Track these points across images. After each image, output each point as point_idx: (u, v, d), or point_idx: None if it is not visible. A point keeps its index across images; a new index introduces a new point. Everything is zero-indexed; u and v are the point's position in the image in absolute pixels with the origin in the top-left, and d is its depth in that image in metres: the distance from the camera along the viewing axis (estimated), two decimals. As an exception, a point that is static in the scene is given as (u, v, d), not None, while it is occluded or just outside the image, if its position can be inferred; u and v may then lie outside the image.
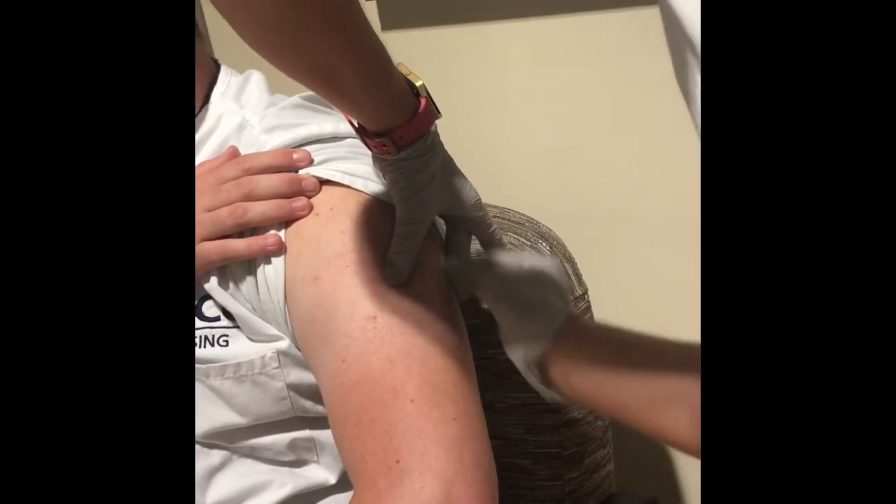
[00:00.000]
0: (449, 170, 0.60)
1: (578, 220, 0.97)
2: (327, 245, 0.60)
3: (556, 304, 0.59)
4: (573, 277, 0.81)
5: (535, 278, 0.61)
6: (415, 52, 1.08)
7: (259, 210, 0.61)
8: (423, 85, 0.56)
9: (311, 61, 0.49)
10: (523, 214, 0.85)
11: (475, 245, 0.67)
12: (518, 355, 0.59)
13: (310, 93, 0.74)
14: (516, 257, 0.64)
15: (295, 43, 0.47)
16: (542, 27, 1.00)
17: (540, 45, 1.01)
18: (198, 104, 0.72)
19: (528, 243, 0.81)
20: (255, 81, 0.75)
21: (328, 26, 0.47)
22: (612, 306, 0.91)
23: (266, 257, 0.61)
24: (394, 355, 0.56)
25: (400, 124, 0.54)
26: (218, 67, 0.76)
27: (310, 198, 0.62)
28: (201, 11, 1.01)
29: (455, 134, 0.59)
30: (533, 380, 0.60)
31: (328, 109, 0.74)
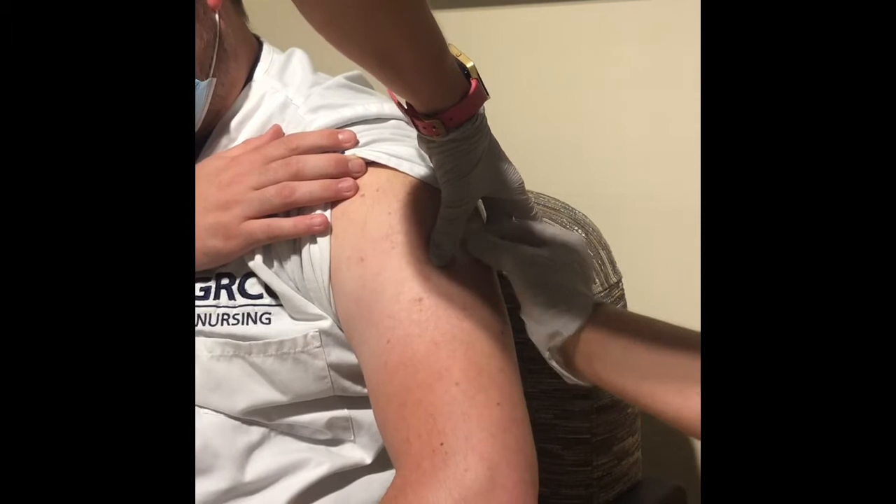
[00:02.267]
0: (494, 152, 0.60)
1: (613, 206, 0.97)
2: (373, 226, 0.60)
3: (583, 294, 0.59)
4: (608, 265, 0.81)
5: (563, 264, 0.60)
6: (448, 34, 1.07)
7: (306, 190, 0.61)
8: (474, 66, 0.56)
9: (376, 44, 0.49)
10: (559, 200, 0.85)
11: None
12: (541, 340, 0.59)
13: (353, 73, 0.74)
14: (543, 234, 0.62)
15: (363, 26, 0.47)
16: (579, 11, 1.00)
17: (577, 29, 1.00)
18: (241, 82, 0.72)
19: (552, 223, 0.81)
20: (298, 60, 0.75)
21: (397, 10, 0.47)
22: (646, 294, 0.91)
23: (312, 237, 0.62)
24: (438, 338, 0.57)
25: (450, 105, 0.54)
26: (260, 45, 0.76)
27: (356, 179, 0.62)
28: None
29: (490, 118, 0.58)
30: (555, 365, 0.60)
31: (371, 90, 0.74)
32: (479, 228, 0.62)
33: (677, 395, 0.52)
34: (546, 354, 0.60)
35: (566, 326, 0.58)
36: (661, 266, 0.97)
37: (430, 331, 0.57)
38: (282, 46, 0.78)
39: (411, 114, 0.56)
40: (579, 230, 0.81)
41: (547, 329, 0.58)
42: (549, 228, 0.63)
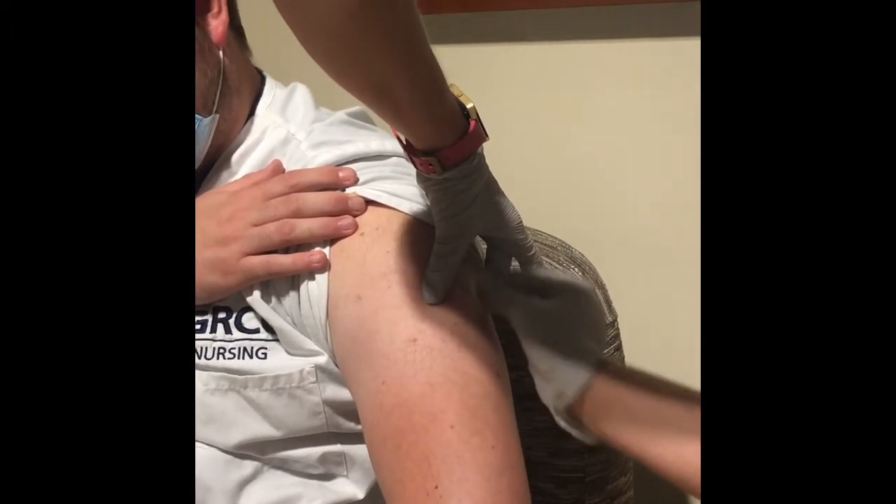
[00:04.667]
0: (492, 191, 0.61)
1: (610, 245, 0.97)
2: (371, 265, 0.61)
3: (588, 351, 0.58)
4: (604, 304, 0.82)
5: (571, 318, 0.59)
6: (448, 68, 1.08)
7: (306, 227, 0.62)
8: (474, 107, 0.56)
9: (368, 75, 0.49)
10: (556, 238, 0.85)
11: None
12: (548, 398, 0.59)
13: (355, 109, 0.75)
14: (551, 281, 0.62)
15: (353, 56, 0.48)
16: (577, 50, 1.01)
17: (574, 67, 1.01)
18: (244, 117, 0.72)
19: (560, 268, 0.81)
20: (301, 95, 0.75)
21: (387, 42, 0.47)
22: (641, 334, 0.91)
23: (310, 273, 0.62)
24: (434, 380, 0.57)
25: (447, 144, 0.55)
26: (263, 80, 0.76)
27: (355, 217, 0.63)
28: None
29: (488, 154, 0.59)
30: (561, 422, 0.59)
31: (373, 126, 0.75)
32: (489, 278, 0.62)
33: (679, 457, 0.52)
34: (554, 413, 0.59)
35: (570, 386, 0.57)
36: (657, 305, 0.98)
37: (425, 372, 0.57)
38: (284, 78, 0.78)
39: (409, 150, 0.56)
40: (576, 269, 0.82)
41: (552, 387, 0.58)
42: (558, 275, 0.63)
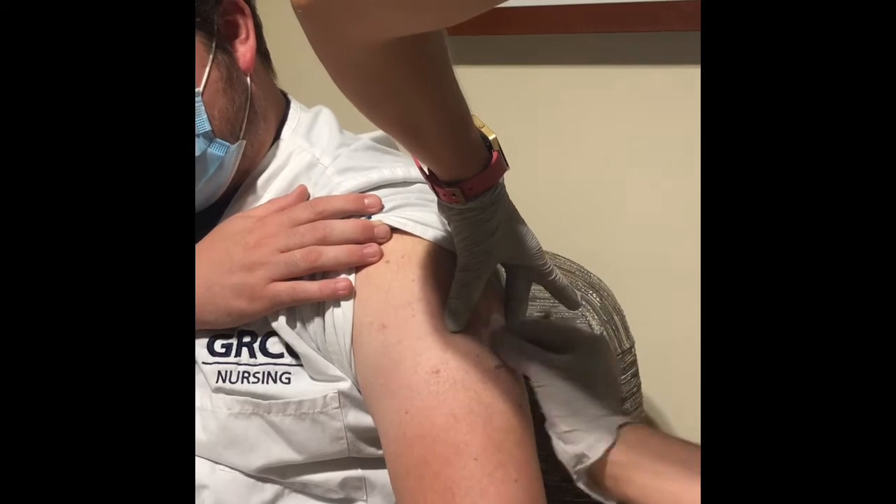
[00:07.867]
0: (514, 220, 0.61)
1: (626, 270, 0.98)
2: (396, 293, 0.61)
3: (609, 413, 0.58)
4: (621, 331, 0.82)
5: (590, 376, 0.59)
6: (465, 88, 1.08)
7: (332, 255, 0.62)
8: (496, 139, 0.57)
9: (399, 111, 0.51)
10: (574, 263, 0.86)
11: (532, 307, 0.68)
12: (567, 460, 0.58)
13: (378, 133, 0.75)
14: (568, 336, 0.62)
15: (386, 94, 0.49)
16: (594, 75, 1.01)
17: (591, 92, 1.02)
18: (269, 140, 0.73)
19: (579, 293, 0.82)
20: (325, 119, 0.76)
21: (419, 79, 0.48)
22: (658, 360, 0.91)
23: (336, 300, 0.62)
24: (457, 411, 0.57)
25: (471, 175, 0.55)
26: (288, 103, 0.77)
27: (381, 244, 0.63)
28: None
29: (506, 179, 0.59)
30: (582, 486, 0.58)
31: (396, 152, 0.75)
32: (504, 329, 0.63)
33: None
34: (574, 476, 0.58)
35: (592, 449, 0.56)
36: (674, 331, 0.98)
37: (449, 403, 0.57)
38: (307, 97, 0.78)
39: (433, 181, 0.57)
40: (594, 295, 0.82)
41: (573, 449, 0.57)
42: (575, 331, 0.63)
